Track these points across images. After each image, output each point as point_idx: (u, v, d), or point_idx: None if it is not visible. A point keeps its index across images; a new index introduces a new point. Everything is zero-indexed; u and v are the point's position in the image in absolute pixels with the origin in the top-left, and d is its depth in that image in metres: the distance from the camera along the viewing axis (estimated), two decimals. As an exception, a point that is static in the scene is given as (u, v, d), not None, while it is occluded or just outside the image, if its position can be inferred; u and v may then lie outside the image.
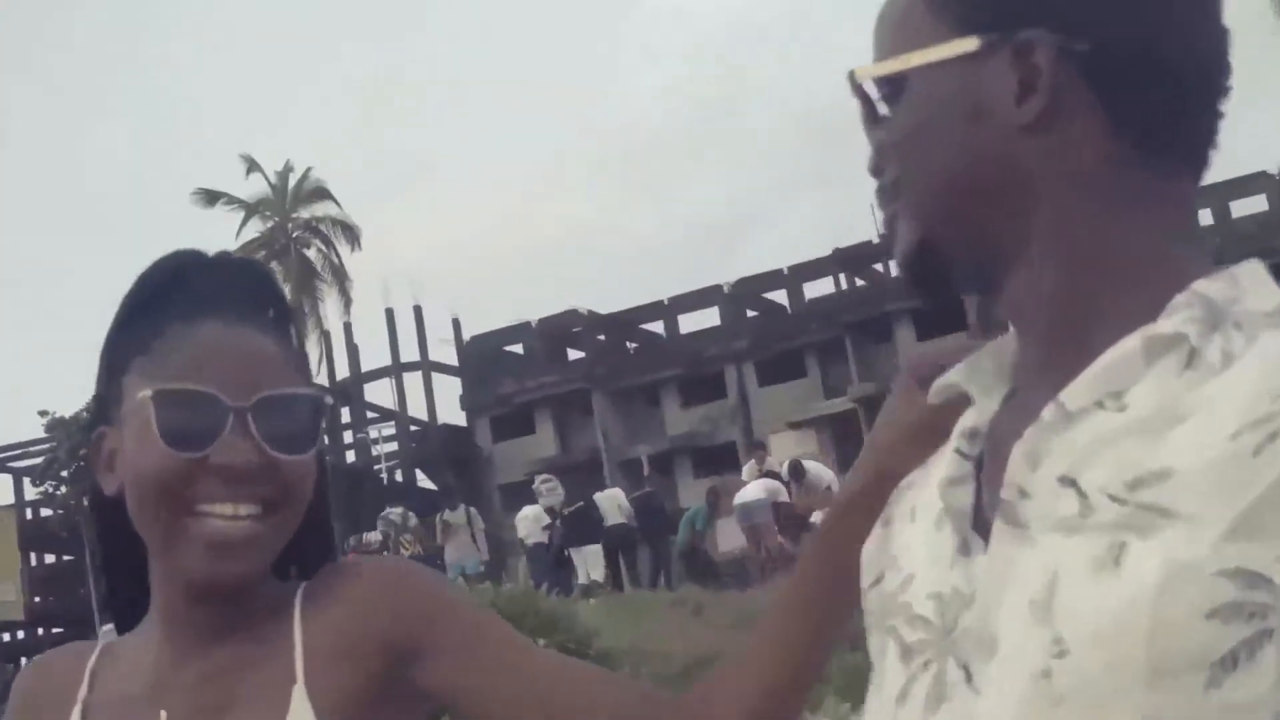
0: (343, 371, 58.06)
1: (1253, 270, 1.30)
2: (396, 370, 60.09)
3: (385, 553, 24.50)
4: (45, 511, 59.85)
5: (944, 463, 1.46)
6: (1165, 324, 1.24)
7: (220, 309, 1.85)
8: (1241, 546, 1.11)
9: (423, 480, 59.90)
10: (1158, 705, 1.12)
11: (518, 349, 63.41)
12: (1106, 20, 1.32)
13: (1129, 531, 1.17)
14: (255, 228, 57.45)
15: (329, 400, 1.88)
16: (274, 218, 57.27)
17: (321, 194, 57.80)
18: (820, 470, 24.45)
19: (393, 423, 58.49)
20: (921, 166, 1.41)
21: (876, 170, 1.49)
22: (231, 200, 56.75)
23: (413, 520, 26.34)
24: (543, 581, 22.39)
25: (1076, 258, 1.34)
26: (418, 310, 61.13)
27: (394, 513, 26.65)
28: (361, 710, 1.84)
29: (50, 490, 57.07)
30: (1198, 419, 1.18)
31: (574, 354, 63.59)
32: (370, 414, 60.37)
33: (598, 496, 25.58)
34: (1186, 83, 1.33)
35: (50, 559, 62.76)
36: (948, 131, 1.38)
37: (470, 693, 1.87)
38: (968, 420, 1.47)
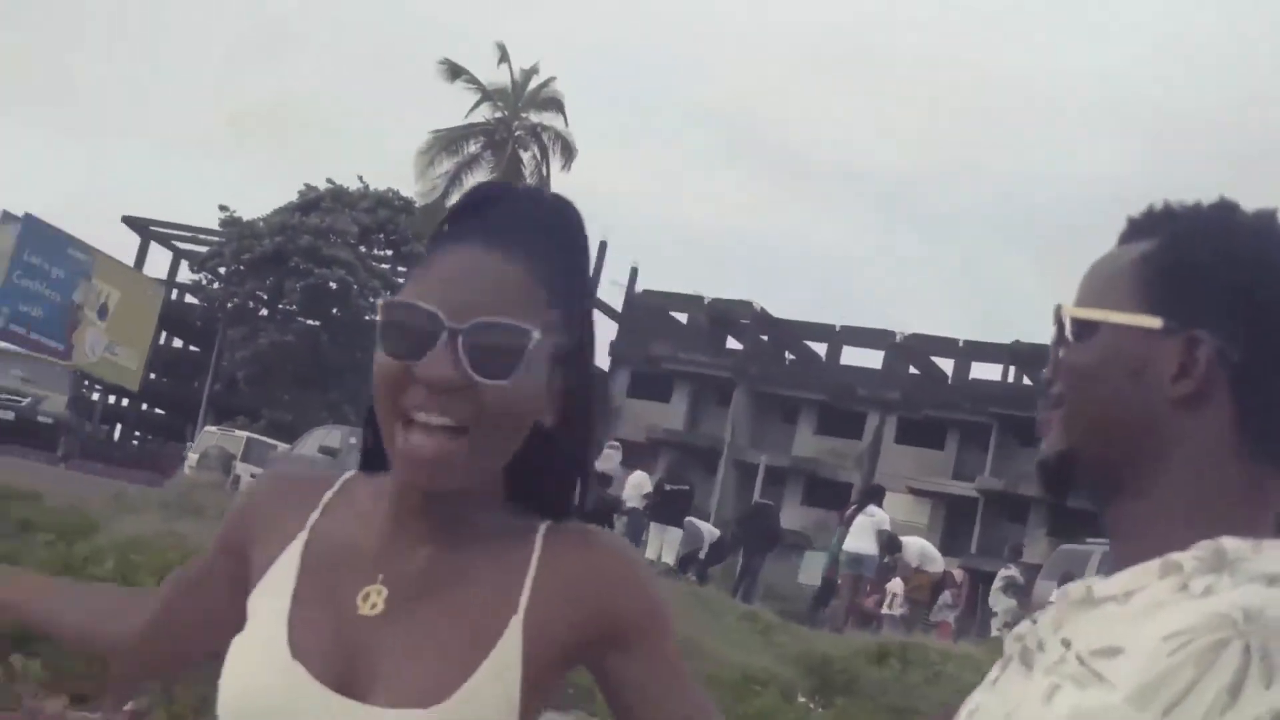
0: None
1: None
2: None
3: None
4: (190, 299, 60.99)
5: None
6: (1178, 555, 1.59)
7: (487, 236, 1.94)
8: (1128, 709, 1.48)
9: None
10: None
11: (681, 318, 63.58)
12: (1260, 343, 1.65)
13: (1070, 681, 1.57)
14: (483, 113, 58.17)
15: (537, 335, 1.88)
16: (504, 111, 57.71)
17: (555, 105, 58.13)
18: (916, 546, 24.52)
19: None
20: (1084, 397, 1.74)
21: (1048, 381, 1.80)
22: (472, 81, 57.34)
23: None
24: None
25: (1183, 506, 1.66)
26: (602, 245, 61.35)
27: None
28: (553, 668, 1.95)
29: (203, 281, 58.16)
30: (1158, 622, 1.53)
31: (732, 343, 63.65)
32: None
33: (631, 478, 25.80)
34: None
35: (178, 344, 64.00)
36: (1113, 379, 1.71)
37: (633, 697, 1.99)
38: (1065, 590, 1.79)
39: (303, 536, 2.03)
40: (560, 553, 1.98)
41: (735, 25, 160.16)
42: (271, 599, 1.99)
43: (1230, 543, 1.57)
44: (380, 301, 1.93)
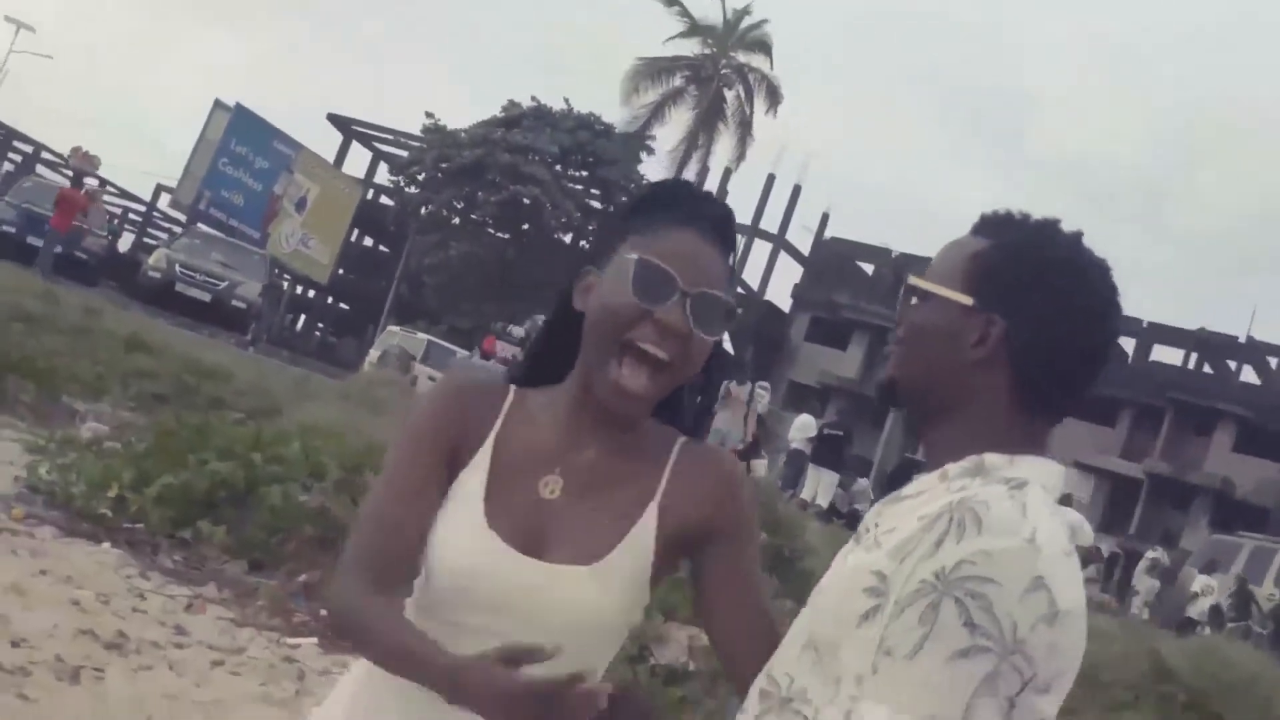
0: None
1: (1036, 461, 2.20)
2: (752, 232, 60.38)
3: (523, 346, 26.48)
4: (385, 201, 61.47)
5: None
6: (951, 465, 2.20)
7: (706, 229, 2.53)
8: (887, 561, 2.07)
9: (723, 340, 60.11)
10: (833, 634, 2.12)
11: (867, 269, 63.31)
12: (1035, 330, 2.22)
13: (859, 546, 2.22)
14: (689, 47, 58.40)
15: (739, 310, 2.58)
16: (711, 47, 57.92)
17: (763, 47, 58.17)
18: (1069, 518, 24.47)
19: (725, 276, 58.63)
20: (912, 344, 2.32)
21: (896, 324, 2.39)
22: (684, 13, 57.60)
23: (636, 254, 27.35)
24: (789, 487, 22.92)
25: (970, 434, 2.23)
26: (796, 189, 61.35)
27: (541, 319, 27.51)
28: (675, 545, 2.53)
29: (399, 185, 58.56)
30: (920, 508, 2.12)
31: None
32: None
33: (797, 420, 26.07)
34: (1070, 384, 2.25)
35: (368, 243, 64.70)
36: (933, 336, 2.28)
37: (720, 582, 2.55)
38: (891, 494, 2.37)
39: (491, 439, 2.56)
40: (690, 460, 2.58)
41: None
42: (468, 488, 2.52)
43: (991, 456, 2.17)
44: (631, 257, 2.47)
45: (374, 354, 33.77)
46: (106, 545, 8.71)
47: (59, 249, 29.67)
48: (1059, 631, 2.01)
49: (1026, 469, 2.16)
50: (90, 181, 37.68)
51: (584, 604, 2.45)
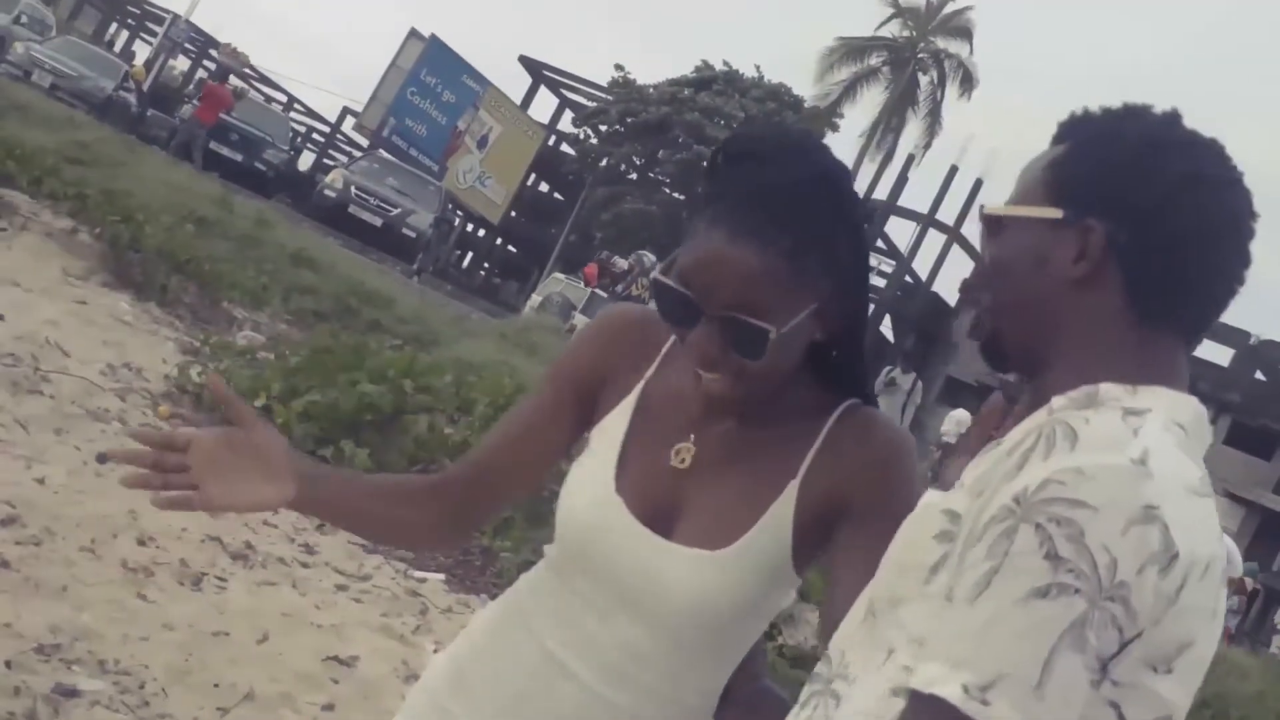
0: (881, 192, 58.02)
1: (1163, 392, 1.82)
2: (927, 221, 59.81)
3: (626, 278, 28.08)
4: (565, 149, 61.73)
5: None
6: (1057, 399, 1.83)
7: (743, 218, 2.16)
8: (962, 498, 1.80)
9: (884, 325, 60.03)
10: (893, 591, 1.85)
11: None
12: (1141, 226, 1.86)
13: (940, 493, 1.89)
14: (890, 29, 57.81)
15: (773, 335, 2.16)
16: (912, 30, 57.41)
17: (963, 33, 57.52)
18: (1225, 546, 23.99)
19: (893, 263, 58.34)
20: (1000, 285, 1.97)
21: (978, 274, 2.02)
22: (889, -2, 56.93)
23: (657, 270, 27.25)
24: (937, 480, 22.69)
25: (1079, 368, 1.85)
26: (977, 182, 60.30)
27: (649, 257, 28.90)
28: (818, 527, 2.27)
29: (582, 135, 58.79)
30: (1019, 446, 1.75)
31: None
32: (880, 244, 60.39)
33: (953, 413, 25.84)
34: (1191, 284, 1.88)
35: (544, 189, 65.00)
36: (1021, 267, 1.94)
37: (836, 564, 2.24)
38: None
39: (639, 388, 2.38)
40: (845, 431, 2.30)
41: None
42: (608, 438, 2.36)
43: (1107, 386, 1.82)
44: (654, 276, 2.28)
45: (536, 299, 33.82)
46: (247, 455, 8.57)
47: (208, 144, 30.24)
48: (1176, 583, 1.62)
49: (1151, 399, 1.79)
50: (236, 82, 37.88)
51: (703, 592, 2.23)
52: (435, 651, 6.45)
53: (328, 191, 32.39)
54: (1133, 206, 1.87)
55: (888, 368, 27.23)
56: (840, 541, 2.24)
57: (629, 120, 54.52)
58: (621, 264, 29.98)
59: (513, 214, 57.91)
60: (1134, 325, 1.87)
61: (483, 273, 65.96)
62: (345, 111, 63.47)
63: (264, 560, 6.82)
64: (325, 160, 61.84)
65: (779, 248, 2.14)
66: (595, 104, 58.26)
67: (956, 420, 24.98)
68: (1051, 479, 1.63)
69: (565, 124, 62.52)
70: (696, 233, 2.18)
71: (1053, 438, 1.70)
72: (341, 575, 7.18)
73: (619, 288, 28.66)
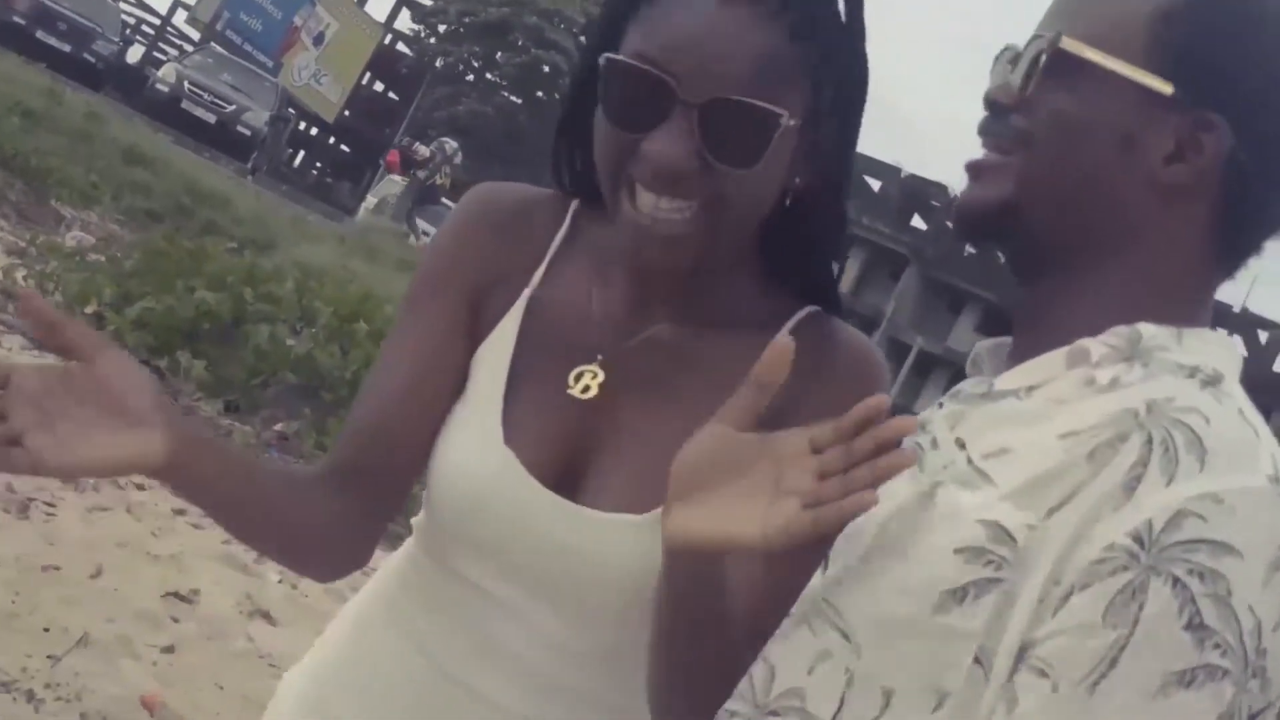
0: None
1: (1209, 337, 1.44)
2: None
3: (428, 167, 27.87)
4: (402, 47, 61.15)
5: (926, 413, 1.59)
6: (1087, 341, 1.40)
7: None
8: (1007, 507, 1.30)
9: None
10: (894, 609, 1.35)
11: (875, 185, 63.05)
12: (1274, 147, 1.42)
13: (953, 481, 1.38)
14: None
15: (788, 120, 1.62)
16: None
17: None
18: None
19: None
20: (1058, 148, 1.46)
21: (1002, 109, 1.51)
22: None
23: (459, 158, 28.91)
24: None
25: (1120, 295, 1.44)
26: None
27: (450, 144, 29.09)
28: None
29: (420, 33, 58.31)
30: (1056, 419, 1.36)
31: (918, 223, 63.15)
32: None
33: None
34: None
35: (379, 88, 64.30)
36: (1098, 139, 1.44)
37: None
38: (965, 385, 1.57)
39: (525, 294, 1.80)
40: (800, 347, 1.52)
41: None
42: (491, 367, 1.78)
43: (1149, 329, 1.40)
44: (602, 59, 1.64)
45: (371, 200, 33.34)
46: (76, 365, 8.15)
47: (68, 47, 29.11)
48: None
49: (1201, 350, 1.40)
50: None
51: (633, 568, 1.68)
52: (279, 582, 6.13)
53: (160, 85, 31.35)
54: (1274, 116, 1.42)
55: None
56: None
57: (468, 20, 54.08)
58: (424, 151, 29.53)
59: (346, 113, 57.17)
60: (1204, 256, 1.46)
61: (315, 172, 65.12)
62: (177, 3, 62.16)
63: (96, 484, 6.36)
64: (156, 54, 60.51)
65: (780, 22, 1.62)
66: (434, 2, 57.71)
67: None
68: (1187, 511, 1.22)
69: (404, 23, 62.01)
70: (657, 11, 1.64)
71: (1171, 449, 1.27)
72: (179, 498, 6.69)
73: (422, 174, 28.37)
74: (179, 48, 56.61)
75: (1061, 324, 1.45)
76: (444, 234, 1.88)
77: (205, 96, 30.83)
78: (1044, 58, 1.47)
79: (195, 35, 50.85)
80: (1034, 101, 1.48)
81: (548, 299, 1.79)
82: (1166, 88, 1.41)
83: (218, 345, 9.03)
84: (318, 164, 66.87)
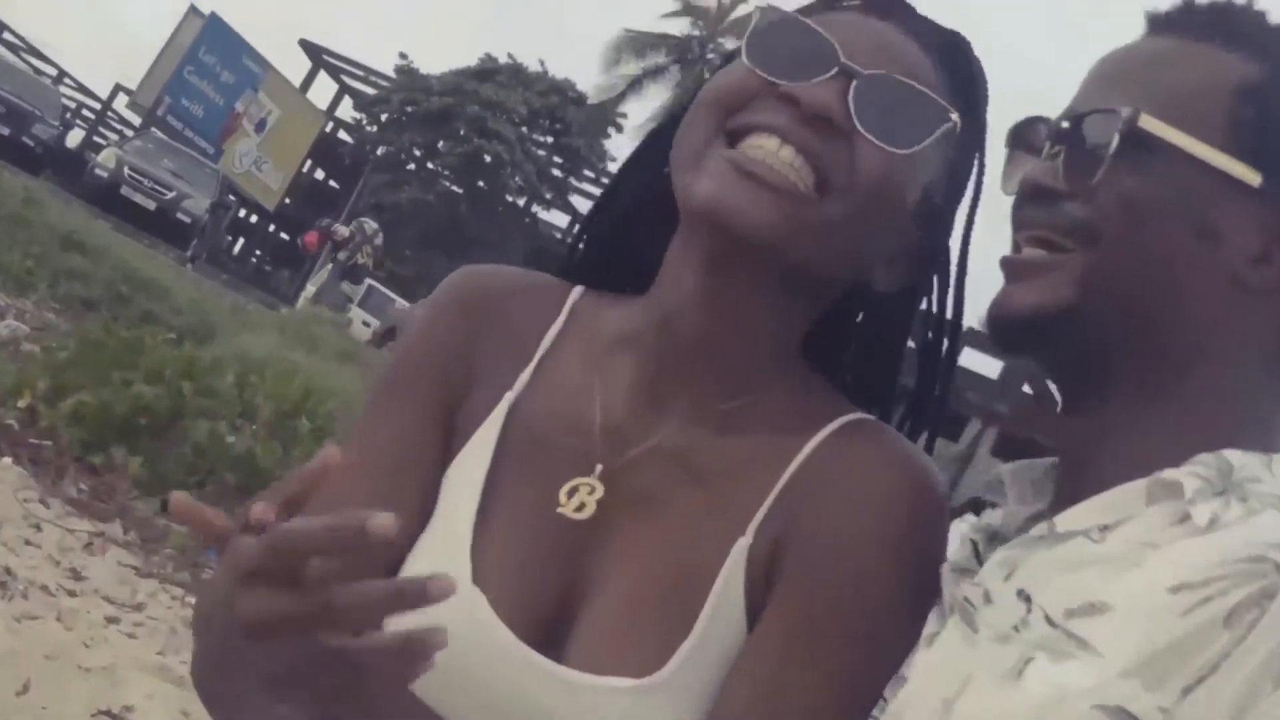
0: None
1: None
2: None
3: (348, 245, 28.01)
4: (344, 136, 61.41)
5: (955, 547, 1.41)
6: (1173, 473, 1.20)
7: (902, 20, 1.52)
8: (1131, 687, 1.10)
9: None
10: None
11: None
12: None
13: (1043, 651, 1.16)
14: (679, 26, 57.46)
15: (956, 120, 1.46)
16: (702, 30, 57.07)
17: (755, 38, 56.89)
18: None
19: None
20: (1127, 244, 1.28)
21: (1051, 196, 1.32)
22: (681, -14, 56.59)
23: (379, 238, 29.19)
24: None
25: (1197, 415, 1.26)
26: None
27: (370, 224, 29.34)
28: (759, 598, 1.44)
29: (362, 122, 58.63)
30: (1154, 567, 1.16)
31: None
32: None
33: None
34: None
35: (320, 175, 64.41)
36: (1175, 230, 1.27)
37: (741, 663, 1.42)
38: (994, 518, 1.41)
39: (510, 395, 1.53)
40: (834, 456, 1.44)
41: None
42: (461, 487, 1.51)
43: (1238, 457, 1.21)
44: (759, 6, 1.47)
45: (311, 289, 33.24)
46: (8, 460, 7.93)
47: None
48: None
49: None
50: None
51: None
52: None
53: (99, 171, 31.24)
54: None
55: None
56: (765, 615, 1.41)
57: (410, 109, 54.35)
58: (343, 231, 29.59)
59: (287, 200, 57.20)
60: None
61: (255, 259, 64.97)
62: (118, 88, 62.25)
63: (25, 589, 6.11)
64: (96, 138, 60.48)
65: (935, 59, 1.49)
66: (376, 91, 57.99)
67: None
68: None
69: (346, 110, 62.24)
70: (818, 20, 1.46)
71: None
72: (112, 604, 6.51)
73: (341, 255, 28.36)
74: (120, 132, 56.74)
75: (1128, 449, 1.28)
76: (416, 325, 1.64)
77: (145, 182, 30.84)
78: (1117, 137, 1.29)
79: (136, 120, 50.95)
80: (1099, 187, 1.30)
81: (535, 404, 1.53)
82: (1254, 177, 1.26)
83: (155, 441, 8.75)
84: (257, 251, 66.78)
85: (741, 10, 56.22)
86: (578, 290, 1.62)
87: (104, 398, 8.70)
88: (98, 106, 68.03)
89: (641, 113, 55.51)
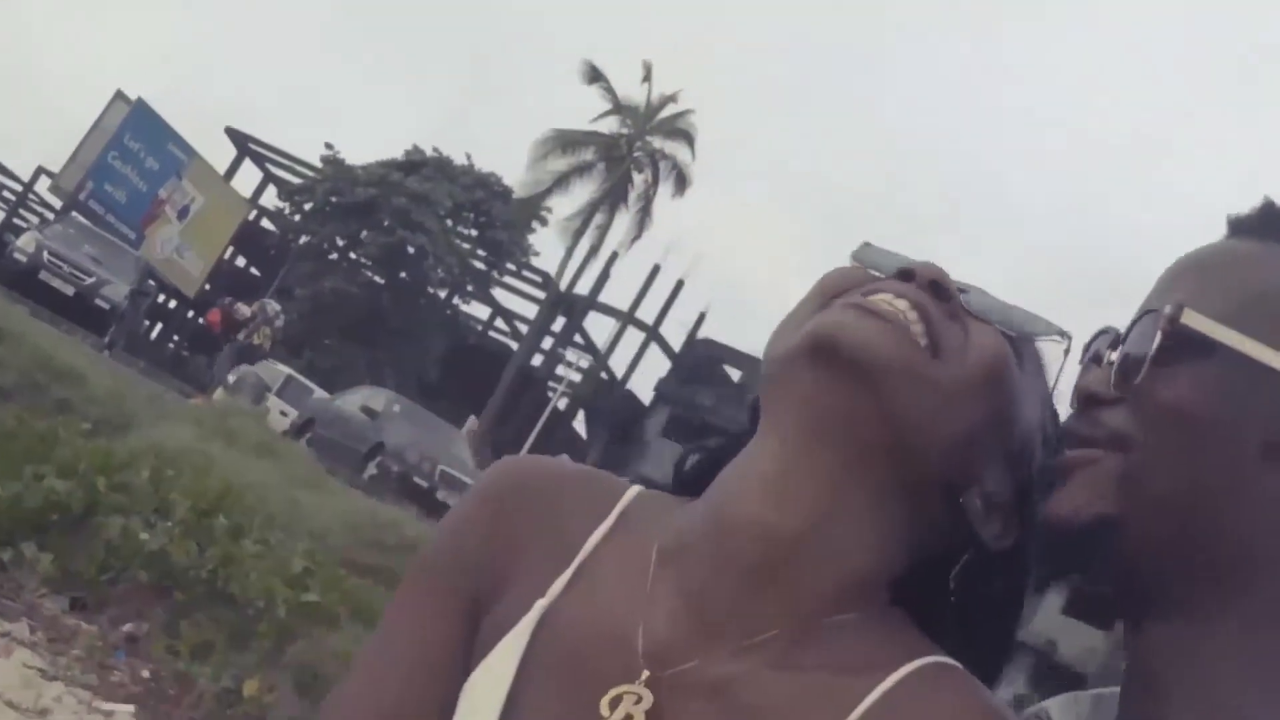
0: (583, 286, 58.53)
1: None
2: (627, 319, 60.39)
3: (249, 325, 28.01)
4: (267, 224, 61.34)
5: None
6: None
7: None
8: None
9: (578, 421, 60.53)
10: None
11: (735, 374, 63.38)
12: None
13: None
14: (608, 124, 57.79)
15: (1069, 345, 1.38)
16: (630, 128, 57.41)
17: (684, 136, 57.64)
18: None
19: (590, 358, 58.71)
20: (1173, 452, 1.17)
21: (1095, 399, 1.25)
22: (608, 90, 56.92)
23: (281, 320, 29.28)
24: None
25: (1266, 647, 1.14)
26: (679, 283, 61.24)
27: (272, 306, 29.34)
28: None
29: (285, 211, 58.63)
30: None
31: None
32: (578, 339, 60.80)
33: None
34: None
35: (241, 263, 64.29)
36: (1231, 444, 1.15)
37: None
38: None
39: (542, 602, 1.36)
40: (907, 705, 1.27)
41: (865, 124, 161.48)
42: (480, 703, 1.35)
43: None
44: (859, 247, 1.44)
45: (230, 379, 33.05)
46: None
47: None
48: None
49: None
50: None
51: None
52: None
53: (18, 255, 30.97)
54: None
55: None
56: None
57: (335, 199, 54.60)
58: (245, 311, 29.41)
59: (208, 288, 57.04)
60: None
61: (172, 345, 64.67)
62: (40, 170, 61.92)
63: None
64: (16, 220, 60.06)
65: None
66: (302, 180, 58.05)
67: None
68: None
69: (270, 199, 62.23)
70: None
71: None
72: (16, 710, 6.38)
73: (240, 335, 28.23)
74: (41, 216, 56.35)
75: (1195, 674, 1.16)
76: (452, 514, 1.51)
77: (64, 268, 30.55)
78: (1159, 336, 1.20)
79: (58, 203, 50.69)
80: (1139, 391, 1.20)
81: (570, 612, 1.37)
82: None
83: (66, 536, 8.59)
84: (175, 337, 66.41)
85: (670, 110, 56.78)
86: (633, 490, 1.47)
87: (14, 491, 8.56)
88: (19, 189, 67.63)
89: (567, 208, 55.69)
